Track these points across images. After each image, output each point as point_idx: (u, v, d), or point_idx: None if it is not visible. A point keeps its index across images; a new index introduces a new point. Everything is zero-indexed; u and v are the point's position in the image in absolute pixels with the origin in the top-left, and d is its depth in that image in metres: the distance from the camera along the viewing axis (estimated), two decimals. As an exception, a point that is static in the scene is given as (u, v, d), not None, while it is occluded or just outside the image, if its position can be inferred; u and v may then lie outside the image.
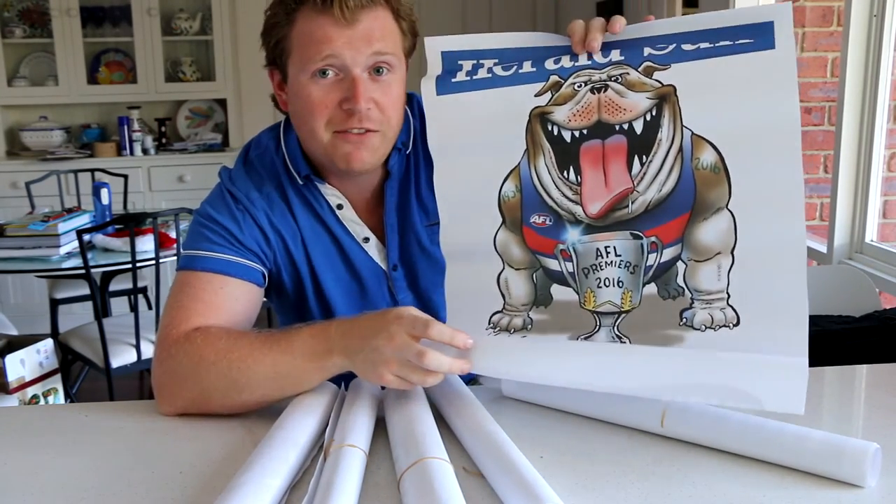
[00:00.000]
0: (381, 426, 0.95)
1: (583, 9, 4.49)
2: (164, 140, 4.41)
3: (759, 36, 0.85)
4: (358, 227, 1.19)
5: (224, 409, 1.00)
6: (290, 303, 1.23)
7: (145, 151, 4.26)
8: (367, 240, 1.20)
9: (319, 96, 1.06)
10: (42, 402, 2.21)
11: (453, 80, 0.99)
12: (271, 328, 1.07)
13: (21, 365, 2.17)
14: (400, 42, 1.09)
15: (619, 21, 0.92)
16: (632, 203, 0.90)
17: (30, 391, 2.20)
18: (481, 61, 0.98)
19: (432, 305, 1.24)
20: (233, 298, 1.09)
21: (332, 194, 1.17)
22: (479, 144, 0.98)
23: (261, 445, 0.84)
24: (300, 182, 1.17)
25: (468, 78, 0.99)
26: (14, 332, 3.01)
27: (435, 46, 1.00)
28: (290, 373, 0.95)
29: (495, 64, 0.98)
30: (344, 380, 1.01)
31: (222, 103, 4.50)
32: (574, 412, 0.99)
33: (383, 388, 1.00)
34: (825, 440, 0.83)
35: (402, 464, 0.80)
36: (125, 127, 4.23)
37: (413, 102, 1.21)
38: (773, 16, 0.85)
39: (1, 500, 0.82)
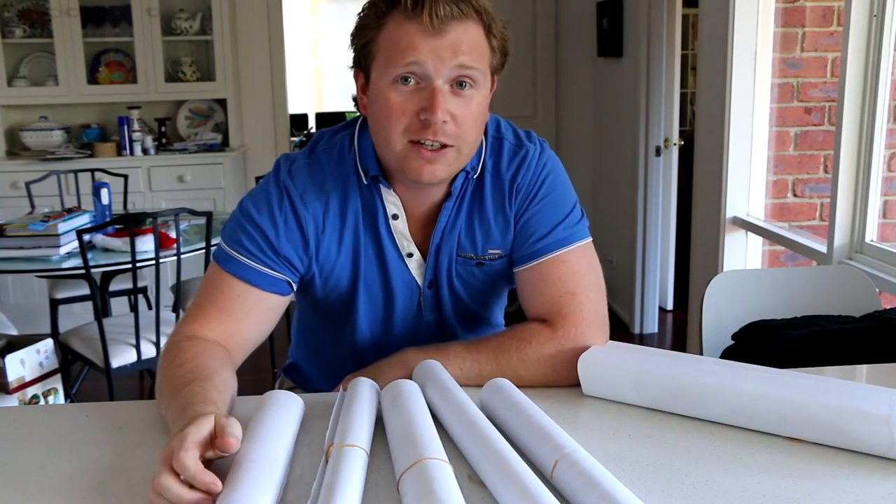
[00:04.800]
0: (379, 427, 0.95)
1: (583, 9, 4.49)
2: (164, 140, 4.41)
3: None
4: (406, 242, 1.18)
5: None
6: (315, 300, 1.23)
7: (145, 151, 4.26)
8: (410, 255, 1.19)
9: (398, 102, 1.04)
10: (42, 402, 2.21)
11: None
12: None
13: (21, 365, 2.17)
14: (488, 58, 1.07)
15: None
16: None
17: (30, 391, 2.20)
18: None
19: (449, 328, 1.26)
20: (247, 308, 1.11)
21: (391, 202, 1.16)
22: None
23: (241, 461, 0.79)
24: (365, 182, 1.15)
25: None
26: (14, 332, 3.01)
27: None
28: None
29: None
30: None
31: (222, 103, 4.50)
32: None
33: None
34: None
35: (401, 465, 0.80)
36: (125, 127, 4.23)
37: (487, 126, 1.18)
38: None
39: (1, 500, 0.82)
